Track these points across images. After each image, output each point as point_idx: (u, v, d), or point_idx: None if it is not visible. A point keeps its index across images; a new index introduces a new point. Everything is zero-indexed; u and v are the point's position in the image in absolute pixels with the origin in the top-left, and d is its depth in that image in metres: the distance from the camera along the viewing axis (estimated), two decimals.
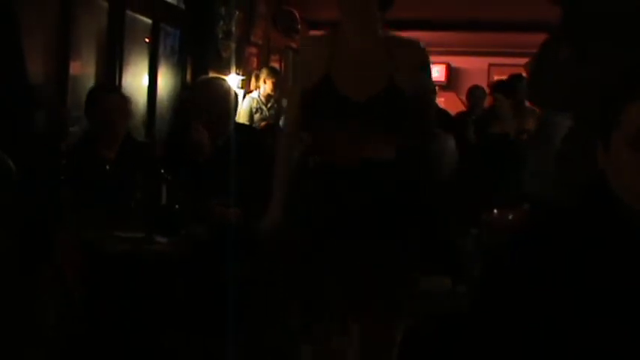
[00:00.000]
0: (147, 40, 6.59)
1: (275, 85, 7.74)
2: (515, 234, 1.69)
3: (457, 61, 12.60)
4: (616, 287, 1.44)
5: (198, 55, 7.24)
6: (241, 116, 7.19)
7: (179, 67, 7.19)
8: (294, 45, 7.95)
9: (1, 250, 3.02)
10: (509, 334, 1.49)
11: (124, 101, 4.07)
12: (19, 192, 3.11)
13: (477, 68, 11.62)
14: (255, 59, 8.89)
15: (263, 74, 7.87)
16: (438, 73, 12.51)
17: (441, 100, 9.01)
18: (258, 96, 7.75)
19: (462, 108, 8.88)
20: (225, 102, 4.09)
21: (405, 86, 2.80)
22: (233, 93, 4.26)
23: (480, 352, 1.53)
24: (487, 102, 7.54)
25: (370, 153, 2.76)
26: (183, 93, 6.45)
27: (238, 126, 4.50)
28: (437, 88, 8.26)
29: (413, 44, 3.01)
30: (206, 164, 3.96)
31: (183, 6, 7.10)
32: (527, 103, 6.16)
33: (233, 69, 7.70)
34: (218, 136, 4.05)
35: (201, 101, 4.12)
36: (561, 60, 2.32)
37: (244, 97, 7.65)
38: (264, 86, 7.76)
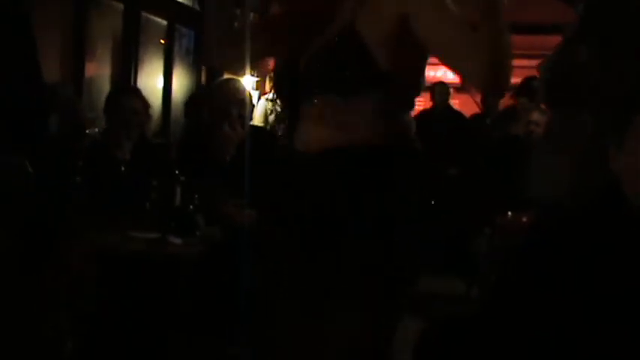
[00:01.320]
0: (162, 41, 6.61)
1: None
2: (528, 237, 1.70)
3: None
4: (629, 290, 1.44)
5: None
6: (256, 118, 7.20)
7: (194, 68, 7.21)
8: None
9: (14, 251, 3.03)
10: (522, 336, 1.49)
11: (143, 103, 4.09)
12: (35, 194, 3.12)
13: None
14: (269, 60, 8.89)
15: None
16: (453, 74, 12.48)
17: (455, 102, 9.00)
18: (274, 97, 7.75)
19: (476, 110, 8.85)
20: (243, 103, 4.11)
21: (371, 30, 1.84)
22: (248, 95, 4.28)
23: (493, 354, 1.54)
24: (502, 104, 7.50)
25: (333, 136, 1.93)
26: (199, 94, 6.46)
27: (253, 128, 4.51)
28: (451, 89, 8.27)
29: None
30: (223, 166, 3.98)
31: (198, 7, 7.12)
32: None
33: (248, 70, 7.70)
34: (235, 137, 4.06)
35: (220, 102, 4.14)
36: (580, 61, 2.31)
37: (259, 99, 7.65)
38: None
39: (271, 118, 7.59)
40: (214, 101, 4.26)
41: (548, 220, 1.63)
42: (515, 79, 7.75)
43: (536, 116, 5.88)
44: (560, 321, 1.44)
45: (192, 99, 6.00)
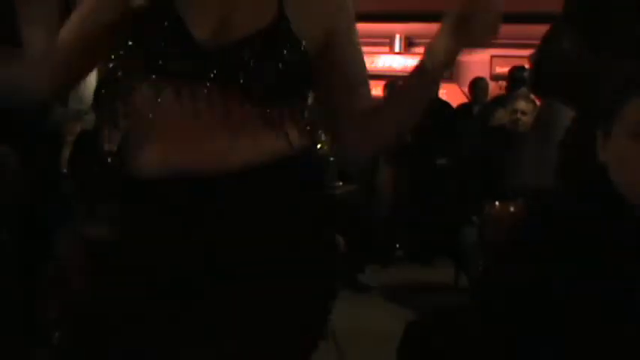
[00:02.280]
0: None
1: None
2: (516, 226, 1.70)
3: None
4: (618, 277, 1.44)
5: None
6: None
7: None
8: None
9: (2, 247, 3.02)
10: (510, 326, 1.50)
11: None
12: (22, 185, 3.11)
13: (479, 60, 11.58)
14: None
15: None
16: None
17: (443, 92, 9.01)
18: None
19: (464, 100, 8.87)
20: None
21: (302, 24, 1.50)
22: None
23: (481, 345, 1.54)
24: (490, 93, 7.53)
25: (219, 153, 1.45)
26: None
27: None
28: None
29: None
30: None
31: None
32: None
33: None
34: None
35: None
36: (567, 49, 2.31)
37: None
38: None
39: None
40: None
41: (536, 209, 1.63)
42: (503, 69, 7.82)
43: (522, 105, 5.91)
44: (550, 311, 1.44)
45: None
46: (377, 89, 11.58)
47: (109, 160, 3.86)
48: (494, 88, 9.02)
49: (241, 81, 1.41)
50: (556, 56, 2.33)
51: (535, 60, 2.50)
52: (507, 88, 7.22)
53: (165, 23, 1.44)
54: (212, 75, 1.41)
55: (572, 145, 2.30)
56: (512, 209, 3.62)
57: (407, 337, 1.83)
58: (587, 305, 1.43)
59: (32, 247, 3.17)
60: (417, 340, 1.79)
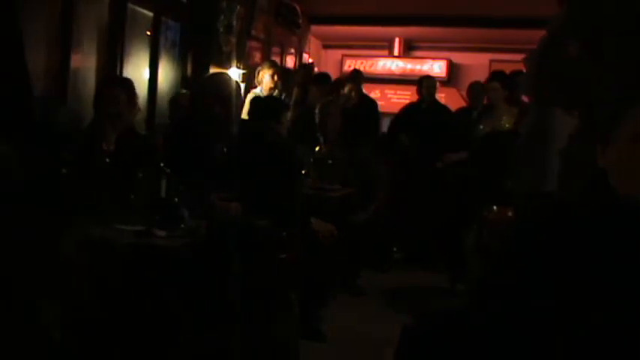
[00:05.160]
0: (148, 33, 6.58)
1: (275, 78, 7.75)
2: (514, 231, 1.69)
3: (458, 57, 12.59)
4: (617, 281, 1.44)
5: (199, 49, 7.24)
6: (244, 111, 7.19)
7: (180, 61, 7.18)
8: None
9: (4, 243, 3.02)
10: (508, 330, 1.49)
11: (129, 94, 4.06)
12: (21, 183, 3.11)
13: (478, 64, 11.60)
14: (256, 53, 8.89)
15: (263, 69, 7.89)
16: (439, 68, 12.51)
17: (442, 96, 9.01)
18: (261, 91, 7.75)
19: (462, 104, 8.87)
20: (230, 98, 4.09)
21: None
22: (235, 86, 4.26)
23: (478, 349, 1.53)
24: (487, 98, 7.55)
25: None
26: (191, 87, 6.42)
27: (243, 122, 4.50)
28: (438, 83, 8.30)
29: None
30: (209, 160, 3.96)
31: None
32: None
33: (234, 63, 7.69)
34: (227, 130, 4.06)
35: (213, 96, 4.10)
36: (572, 56, 2.30)
37: (247, 92, 7.65)
38: (265, 80, 7.76)
39: None
40: (205, 94, 4.21)
41: (534, 214, 1.63)
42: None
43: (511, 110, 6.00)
44: (547, 314, 1.44)
45: (176, 99, 6.00)
46: (375, 92, 11.61)
47: (107, 159, 3.86)
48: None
49: None
50: (557, 62, 2.33)
51: (534, 65, 2.49)
52: (507, 91, 7.25)
53: None
54: None
55: (571, 150, 2.30)
56: (509, 214, 3.63)
57: (404, 341, 1.82)
58: (585, 306, 1.43)
59: (33, 247, 3.17)
60: (414, 344, 1.79)
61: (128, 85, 4.10)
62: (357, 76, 8.06)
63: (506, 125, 6.64)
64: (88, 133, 4.01)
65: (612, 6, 2.24)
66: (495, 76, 7.29)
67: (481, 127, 6.84)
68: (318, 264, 4.53)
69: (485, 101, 7.34)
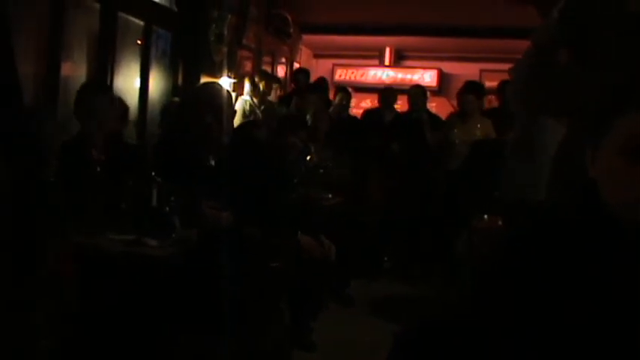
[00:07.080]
0: (139, 42, 6.58)
1: (268, 87, 7.80)
2: (504, 240, 1.70)
3: (449, 67, 12.64)
4: (606, 291, 1.44)
5: (189, 58, 7.25)
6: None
7: (171, 70, 7.18)
8: None
9: None
10: (499, 339, 1.50)
11: (114, 102, 4.05)
12: (9, 192, 3.09)
13: (468, 74, 11.64)
14: (246, 62, 8.91)
15: (257, 78, 7.94)
16: (429, 78, 12.55)
17: (432, 105, 9.04)
18: (251, 98, 7.77)
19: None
20: (221, 107, 4.08)
21: None
22: (227, 96, 4.26)
23: (471, 356, 1.54)
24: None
25: None
26: (182, 96, 6.42)
27: (236, 130, 4.50)
28: (428, 93, 8.33)
29: None
30: (200, 169, 3.95)
31: (175, 8, 7.10)
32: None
33: (225, 72, 7.71)
34: (219, 140, 4.05)
35: (198, 108, 4.08)
36: (563, 64, 2.30)
37: (236, 99, 7.66)
38: (259, 89, 7.82)
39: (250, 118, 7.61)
40: (198, 104, 4.20)
41: (524, 222, 1.63)
42: (492, 83, 7.83)
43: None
44: (539, 322, 1.44)
45: (169, 107, 5.99)
46: (366, 102, 11.63)
47: (98, 168, 3.85)
48: (486, 102, 9.06)
49: None
50: (546, 72, 2.33)
51: (523, 74, 2.49)
52: (498, 101, 7.31)
53: None
54: None
55: (564, 159, 2.30)
56: (500, 223, 3.63)
57: (395, 350, 1.82)
58: (576, 313, 1.43)
59: (20, 257, 3.16)
60: (406, 351, 1.79)
61: (106, 89, 4.09)
62: (326, 85, 8.26)
63: (478, 134, 6.74)
64: (77, 141, 4.00)
65: (602, 15, 2.25)
66: (469, 86, 7.36)
67: (457, 141, 6.94)
68: (307, 274, 4.52)
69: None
